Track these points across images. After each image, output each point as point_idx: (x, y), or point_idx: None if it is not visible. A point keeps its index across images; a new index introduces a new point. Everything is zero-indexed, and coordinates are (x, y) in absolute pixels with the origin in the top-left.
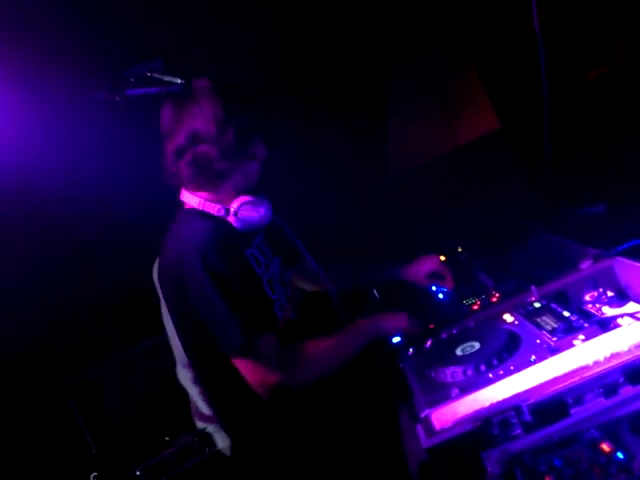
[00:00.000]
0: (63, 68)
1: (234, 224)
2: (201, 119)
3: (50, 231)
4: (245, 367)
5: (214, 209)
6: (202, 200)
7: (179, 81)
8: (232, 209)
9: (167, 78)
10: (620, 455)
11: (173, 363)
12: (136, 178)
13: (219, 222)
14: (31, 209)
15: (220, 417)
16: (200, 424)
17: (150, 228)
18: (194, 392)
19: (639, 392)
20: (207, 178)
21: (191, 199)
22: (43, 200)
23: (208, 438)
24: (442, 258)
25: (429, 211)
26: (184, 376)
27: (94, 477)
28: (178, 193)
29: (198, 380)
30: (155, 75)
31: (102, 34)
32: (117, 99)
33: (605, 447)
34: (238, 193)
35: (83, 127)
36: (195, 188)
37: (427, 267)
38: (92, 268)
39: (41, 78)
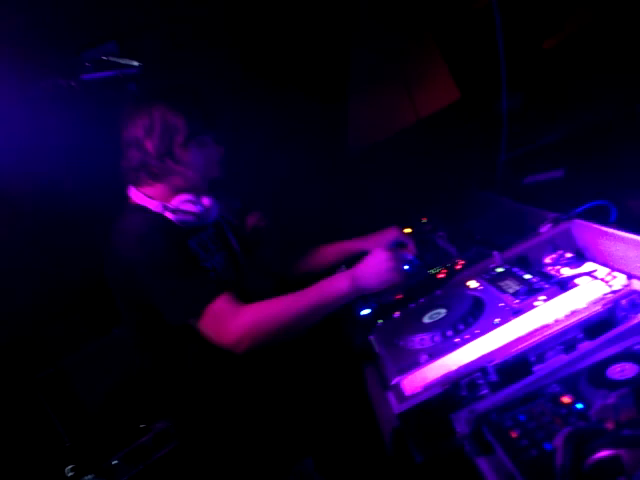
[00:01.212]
0: (15, 54)
1: (172, 220)
2: (134, 125)
3: (11, 223)
4: (207, 327)
5: (153, 205)
6: (143, 196)
7: (136, 64)
8: (170, 206)
9: (123, 61)
10: (579, 405)
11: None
12: (97, 165)
13: (158, 217)
14: None
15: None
16: None
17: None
18: None
19: (596, 346)
20: (144, 177)
21: (134, 194)
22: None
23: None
24: (408, 230)
25: (393, 184)
26: None
27: (70, 469)
28: (126, 188)
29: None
30: (111, 58)
31: (54, 18)
32: (73, 84)
33: (565, 399)
34: (180, 191)
35: (38, 115)
36: (137, 185)
37: (389, 237)
38: (56, 258)
39: None
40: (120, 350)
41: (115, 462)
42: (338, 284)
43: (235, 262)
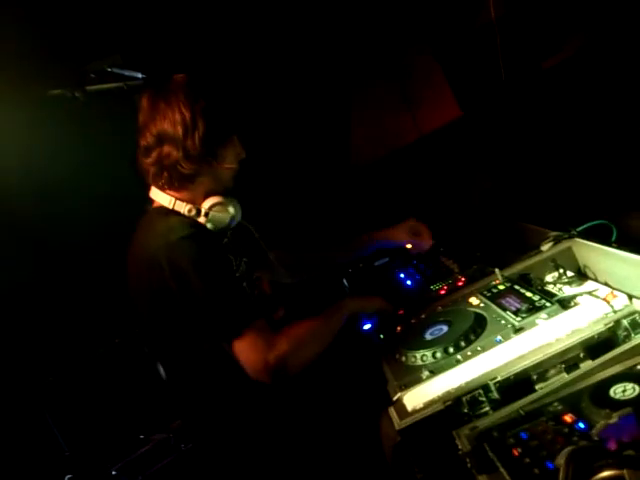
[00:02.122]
0: (20, 65)
1: (205, 224)
2: (169, 120)
3: (12, 229)
4: (244, 352)
5: (185, 208)
6: (173, 199)
7: (140, 75)
8: (203, 209)
9: (127, 73)
10: (581, 425)
11: (144, 362)
12: (102, 176)
13: (191, 221)
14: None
15: (189, 411)
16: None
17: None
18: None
19: (597, 366)
20: (173, 179)
21: (161, 197)
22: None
23: (183, 434)
24: (409, 246)
25: (395, 200)
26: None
27: (69, 479)
28: (147, 189)
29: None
30: (115, 70)
31: (60, 30)
32: (77, 95)
33: (567, 418)
34: (208, 195)
35: (42, 125)
36: (163, 187)
37: (404, 226)
38: (64, 267)
39: None
40: (121, 360)
41: (114, 472)
42: (339, 309)
43: (256, 265)
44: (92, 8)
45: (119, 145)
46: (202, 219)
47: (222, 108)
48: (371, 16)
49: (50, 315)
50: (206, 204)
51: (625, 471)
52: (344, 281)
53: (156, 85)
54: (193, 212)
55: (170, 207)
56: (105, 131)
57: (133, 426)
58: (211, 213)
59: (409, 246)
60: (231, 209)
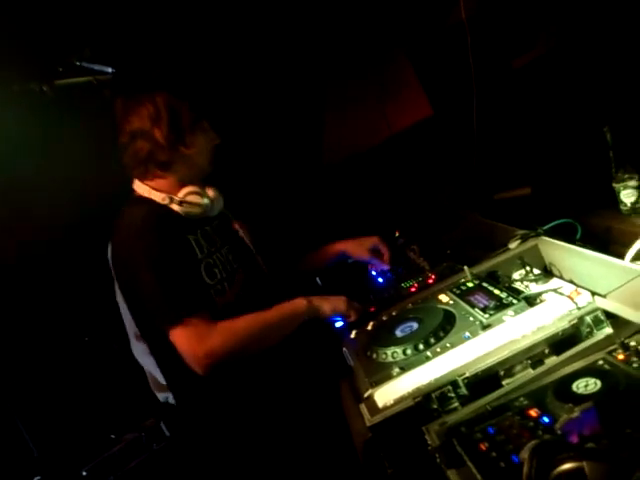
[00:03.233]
0: None
1: (178, 211)
2: (137, 116)
3: None
4: (177, 342)
5: (159, 197)
6: (149, 189)
7: (109, 70)
8: (177, 198)
9: (97, 67)
10: (546, 419)
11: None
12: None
13: (162, 209)
14: None
15: (171, 386)
16: (161, 395)
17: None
18: (149, 363)
19: (562, 361)
20: (149, 170)
21: (140, 188)
22: None
23: (155, 433)
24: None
25: (366, 198)
26: (138, 349)
27: None
28: (131, 182)
29: (150, 351)
30: (84, 64)
31: (29, 22)
32: (45, 89)
33: (533, 413)
34: (186, 183)
35: (8, 119)
36: (143, 178)
37: (369, 242)
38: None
39: None
40: (90, 359)
41: (84, 473)
42: (298, 304)
43: (241, 253)
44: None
45: (88, 141)
46: (176, 207)
47: (186, 96)
48: (346, 14)
49: (19, 311)
50: (181, 193)
51: (585, 463)
52: (317, 279)
53: (125, 88)
54: (167, 200)
55: (146, 196)
56: (74, 126)
57: (104, 426)
58: (184, 202)
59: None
60: (206, 199)
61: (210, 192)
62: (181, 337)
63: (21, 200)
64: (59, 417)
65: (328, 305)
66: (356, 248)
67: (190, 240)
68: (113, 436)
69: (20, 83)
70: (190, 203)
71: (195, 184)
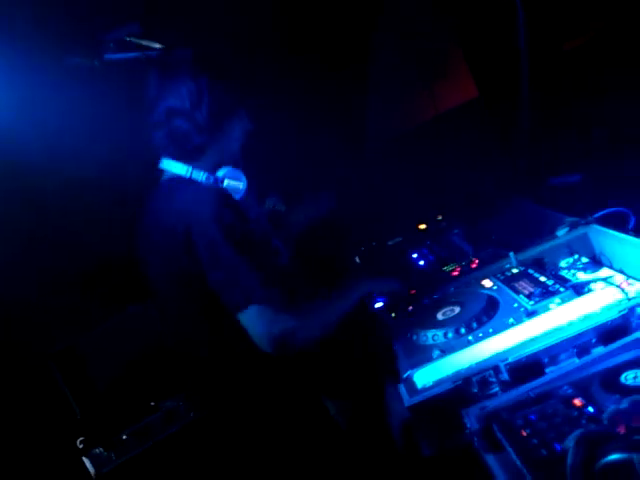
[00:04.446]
0: (39, 33)
1: (226, 191)
2: (176, 94)
3: (31, 198)
4: (252, 321)
5: (202, 177)
6: (190, 168)
7: (157, 46)
8: (219, 177)
9: (145, 42)
10: (591, 409)
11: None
12: (114, 146)
13: (212, 188)
14: (9, 178)
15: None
16: None
17: (128, 196)
18: None
19: (609, 352)
20: (185, 151)
21: (176, 167)
22: (21, 170)
23: (193, 402)
24: (423, 226)
25: (410, 179)
26: None
27: (80, 441)
28: (155, 162)
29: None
30: (133, 39)
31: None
32: (95, 63)
33: (577, 402)
34: (218, 166)
35: (59, 93)
36: (177, 158)
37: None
38: (74, 235)
39: (15, 43)
40: (134, 327)
41: (124, 437)
42: (360, 288)
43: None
44: None
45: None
46: (222, 186)
47: (227, 81)
48: None
49: (63, 282)
50: (220, 173)
51: (635, 455)
52: (356, 259)
53: (161, 61)
54: (211, 180)
55: (187, 176)
56: (122, 101)
57: (144, 393)
58: (226, 181)
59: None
60: (242, 176)
61: (242, 174)
62: (256, 319)
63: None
64: (103, 381)
65: (384, 284)
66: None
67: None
68: (153, 403)
69: (71, 57)
70: (231, 183)
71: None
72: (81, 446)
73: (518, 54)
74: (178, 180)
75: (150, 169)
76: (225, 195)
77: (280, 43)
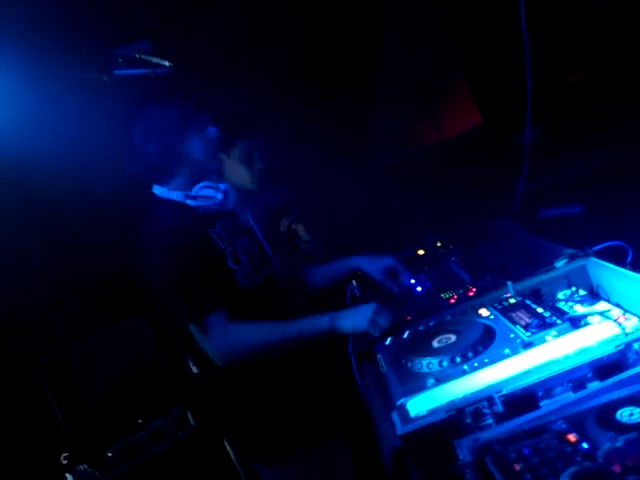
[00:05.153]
0: (49, 46)
1: (194, 206)
2: (134, 130)
3: (26, 209)
4: (198, 339)
5: (174, 195)
6: (165, 190)
7: (167, 63)
8: (190, 194)
9: (155, 60)
10: (585, 445)
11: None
12: (116, 158)
13: (180, 208)
14: (9, 185)
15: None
16: None
17: (124, 213)
18: None
19: (605, 387)
20: (160, 176)
21: (157, 190)
22: (21, 178)
23: (181, 422)
24: (421, 252)
25: (410, 203)
26: None
27: (64, 457)
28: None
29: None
30: (143, 57)
31: (89, 12)
32: (104, 79)
33: (571, 438)
34: (198, 179)
35: (69, 107)
36: (159, 182)
37: (385, 262)
38: (70, 245)
39: (26, 55)
40: (126, 342)
41: (110, 454)
42: (320, 323)
43: (260, 246)
44: None
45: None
46: (191, 202)
47: (175, 101)
48: (400, 20)
49: (56, 293)
50: (195, 188)
51: None
52: (353, 282)
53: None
54: (181, 197)
55: (163, 197)
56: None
57: (132, 410)
58: (198, 196)
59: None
60: (218, 192)
61: (223, 187)
62: (201, 335)
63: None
64: (92, 396)
65: (348, 322)
66: (371, 266)
67: (211, 234)
68: (140, 421)
69: (80, 71)
70: (204, 196)
71: (207, 179)
72: (65, 462)
73: (523, 82)
74: (157, 201)
75: (143, 188)
76: (191, 213)
77: (289, 70)
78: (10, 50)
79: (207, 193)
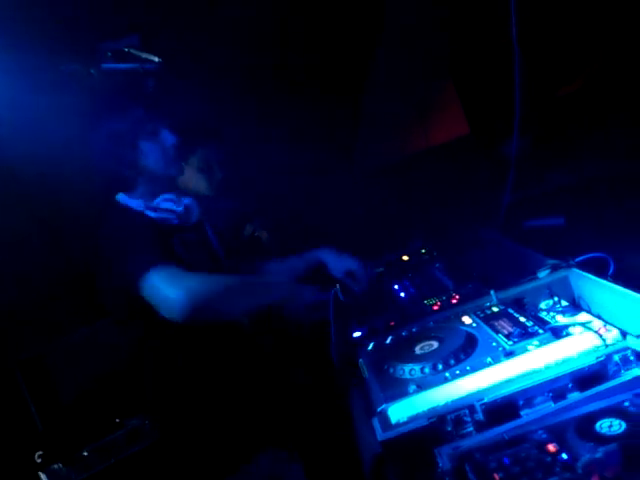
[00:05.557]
0: (36, 37)
1: (153, 217)
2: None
3: (8, 204)
4: (153, 290)
5: (135, 204)
6: (127, 198)
7: (156, 59)
8: (151, 204)
9: (144, 55)
10: (564, 456)
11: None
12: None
13: (140, 216)
14: None
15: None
16: None
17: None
18: None
19: (585, 398)
20: (121, 186)
21: (120, 196)
22: (8, 171)
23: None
24: (405, 258)
25: (396, 209)
26: None
27: (39, 456)
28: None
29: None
30: (132, 51)
31: (81, 5)
32: (92, 72)
33: (551, 448)
34: (159, 190)
35: (55, 99)
36: (122, 191)
37: (349, 265)
38: (50, 244)
39: (13, 46)
40: (103, 342)
41: (85, 454)
42: (280, 288)
43: (218, 263)
44: None
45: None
46: (150, 212)
47: (124, 112)
48: (391, 30)
49: (35, 292)
50: (157, 200)
51: None
52: (337, 286)
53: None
54: (141, 207)
55: (124, 204)
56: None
57: (110, 408)
58: (159, 208)
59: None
60: (179, 206)
61: (187, 200)
62: (157, 282)
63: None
64: (68, 395)
65: (337, 263)
66: (336, 263)
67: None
68: (118, 420)
69: (68, 65)
70: (164, 209)
71: (168, 189)
72: (39, 460)
73: (511, 93)
74: (117, 206)
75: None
76: (149, 221)
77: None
78: None
79: (167, 206)
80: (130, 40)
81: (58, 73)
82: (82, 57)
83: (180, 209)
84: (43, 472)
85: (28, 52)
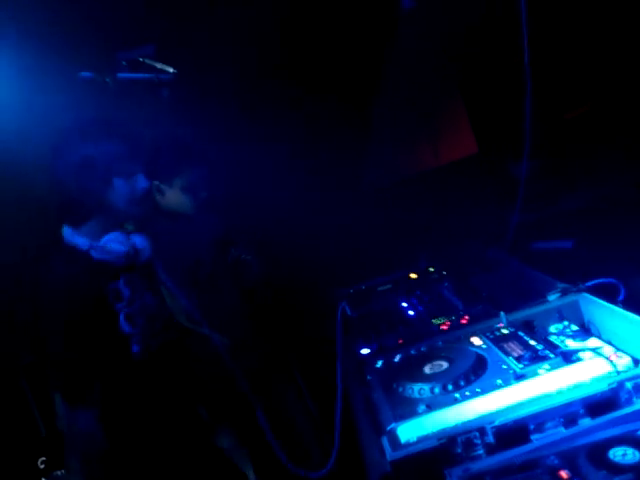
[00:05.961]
0: (53, 45)
1: (95, 257)
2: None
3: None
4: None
5: (80, 242)
6: (74, 234)
7: (171, 70)
8: (96, 245)
9: (159, 65)
10: None
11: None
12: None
13: (81, 257)
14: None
15: None
16: None
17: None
18: None
19: (597, 425)
20: (74, 218)
21: (66, 232)
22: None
23: None
24: (414, 276)
25: (404, 226)
26: None
27: (42, 462)
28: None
29: None
30: (147, 61)
31: (96, 12)
32: (107, 80)
33: (564, 474)
34: (114, 226)
35: (68, 107)
36: (71, 224)
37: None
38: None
39: (30, 52)
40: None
41: None
42: None
43: (163, 304)
44: None
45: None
46: (95, 254)
47: (102, 144)
48: (405, 47)
49: None
50: (102, 239)
51: None
52: (344, 303)
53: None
54: (86, 246)
55: (70, 242)
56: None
57: None
58: (104, 250)
59: None
60: (126, 247)
61: (137, 239)
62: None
63: None
64: None
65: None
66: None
67: (109, 291)
68: None
69: (84, 72)
70: (109, 251)
71: (124, 226)
72: (42, 466)
73: (521, 115)
74: (62, 244)
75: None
76: (90, 264)
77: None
78: (15, 47)
79: (112, 247)
80: (145, 50)
81: (74, 79)
82: (99, 65)
83: (127, 249)
84: (46, 478)
85: (46, 57)
